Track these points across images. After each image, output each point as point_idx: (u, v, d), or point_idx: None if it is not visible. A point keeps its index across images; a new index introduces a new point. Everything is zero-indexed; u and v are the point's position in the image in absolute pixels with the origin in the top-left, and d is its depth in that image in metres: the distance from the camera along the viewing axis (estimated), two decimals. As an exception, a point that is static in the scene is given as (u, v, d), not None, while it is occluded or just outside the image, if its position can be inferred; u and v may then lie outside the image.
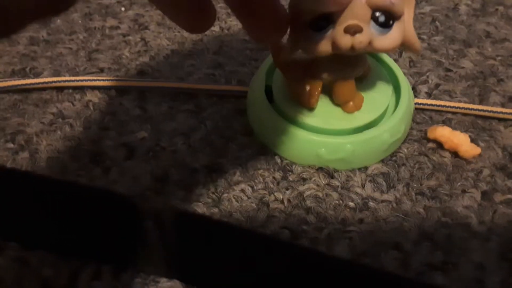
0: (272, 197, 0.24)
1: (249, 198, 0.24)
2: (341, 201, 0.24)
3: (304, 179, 0.25)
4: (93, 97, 0.29)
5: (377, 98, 0.25)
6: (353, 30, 0.20)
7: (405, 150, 0.27)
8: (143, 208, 0.20)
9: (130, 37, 0.34)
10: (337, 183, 0.25)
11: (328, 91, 0.25)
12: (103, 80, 0.30)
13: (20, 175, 0.22)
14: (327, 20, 0.21)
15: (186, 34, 0.34)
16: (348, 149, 0.24)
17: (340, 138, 0.24)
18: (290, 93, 0.25)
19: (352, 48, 0.20)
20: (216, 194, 0.24)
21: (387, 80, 0.26)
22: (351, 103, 0.25)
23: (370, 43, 0.21)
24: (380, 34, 0.21)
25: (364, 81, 0.26)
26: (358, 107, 0.25)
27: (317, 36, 0.21)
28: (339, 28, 0.20)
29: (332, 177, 0.25)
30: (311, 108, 0.25)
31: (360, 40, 0.20)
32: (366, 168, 0.26)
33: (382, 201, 0.24)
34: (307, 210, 0.24)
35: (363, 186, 0.25)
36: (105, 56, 0.32)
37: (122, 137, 0.27)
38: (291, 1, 0.21)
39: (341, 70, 0.24)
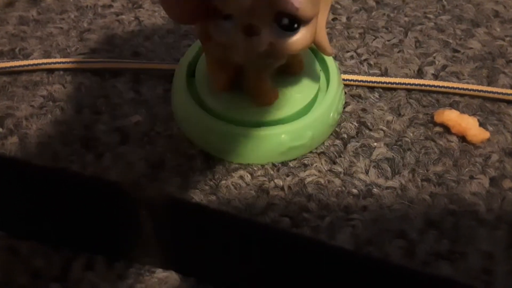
0: (272, 184, 0.24)
1: (248, 185, 0.24)
2: (343, 188, 0.24)
3: (305, 165, 0.24)
4: (85, 79, 0.28)
5: (295, 96, 0.24)
6: (250, 31, 0.19)
7: (411, 134, 0.26)
8: (137, 196, 0.19)
9: (123, 16, 0.32)
10: (340, 169, 0.24)
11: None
12: (95, 61, 0.29)
13: (9, 161, 0.21)
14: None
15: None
16: (241, 140, 0.23)
17: (237, 128, 0.23)
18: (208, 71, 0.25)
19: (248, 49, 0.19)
20: (213, 181, 0.24)
21: (316, 80, 0.25)
22: (261, 95, 0.24)
23: (272, 44, 0.19)
24: (284, 36, 0.19)
25: (292, 77, 0.25)
26: (267, 102, 0.24)
27: (224, 24, 0.20)
28: (238, 26, 0.19)
29: (334, 162, 0.25)
30: (219, 91, 0.24)
31: (257, 42, 0.19)
32: (370, 152, 0.25)
33: (387, 188, 0.24)
34: (308, 197, 0.23)
35: (366, 172, 0.24)
36: (97, 36, 0.31)
37: (116, 121, 0.26)
38: None
39: (252, 60, 0.22)
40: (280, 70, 0.24)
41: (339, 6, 0.34)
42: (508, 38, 0.31)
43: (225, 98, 0.24)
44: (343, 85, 0.26)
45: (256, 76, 0.23)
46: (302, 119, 0.24)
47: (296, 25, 0.19)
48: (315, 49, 0.26)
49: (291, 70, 0.25)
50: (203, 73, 0.25)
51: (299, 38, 0.19)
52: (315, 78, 0.25)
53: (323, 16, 0.20)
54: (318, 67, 0.26)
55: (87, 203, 0.20)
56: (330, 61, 0.26)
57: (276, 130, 0.23)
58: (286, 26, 0.19)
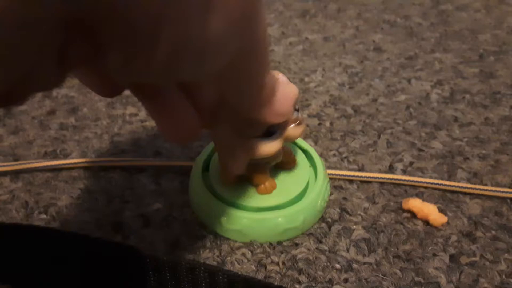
0: (269, 260, 0.27)
1: (249, 260, 0.27)
2: (328, 263, 0.27)
3: (297, 244, 0.28)
4: (115, 174, 0.33)
5: (290, 187, 0.28)
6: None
7: (384, 219, 0.30)
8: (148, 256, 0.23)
9: (147, 123, 0.38)
10: (325, 247, 0.28)
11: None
12: (123, 160, 0.34)
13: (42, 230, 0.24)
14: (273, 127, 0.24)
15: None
16: (244, 222, 0.27)
17: (241, 212, 0.27)
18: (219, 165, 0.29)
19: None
20: (220, 257, 0.28)
21: (306, 174, 0.29)
22: (262, 186, 0.27)
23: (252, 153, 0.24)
24: (266, 140, 0.24)
25: (287, 171, 0.29)
26: (268, 191, 0.27)
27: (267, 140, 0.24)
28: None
29: (321, 242, 0.29)
30: (229, 185, 0.28)
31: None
32: (350, 233, 0.29)
33: (364, 263, 0.27)
34: (299, 271, 0.27)
35: (347, 250, 0.28)
36: (125, 139, 0.36)
37: (140, 208, 0.30)
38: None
39: (254, 161, 0.25)
40: (277, 165, 0.29)
41: (323, 114, 0.40)
42: (465, 139, 0.37)
43: (233, 188, 0.28)
44: (328, 178, 0.31)
45: (257, 170, 0.28)
46: (295, 205, 0.27)
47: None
48: (304, 149, 0.32)
49: (286, 165, 0.30)
50: (215, 168, 0.30)
51: (272, 145, 0.24)
52: (306, 172, 0.30)
53: None
54: (307, 163, 0.31)
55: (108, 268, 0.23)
56: (317, 158, 0.31)
57: (274, 214, 0.27)
58: (268, 133, 0.24)
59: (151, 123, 0.38)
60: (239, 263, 0.27)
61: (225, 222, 0.28)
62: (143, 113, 0.39)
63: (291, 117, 0.24)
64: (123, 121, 0.38)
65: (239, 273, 0.25)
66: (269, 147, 0.24)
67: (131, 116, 0.39)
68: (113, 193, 0.32)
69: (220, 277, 0.23)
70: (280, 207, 0.28)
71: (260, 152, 0.23)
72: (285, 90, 0.20)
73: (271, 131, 0.24)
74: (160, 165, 0.33)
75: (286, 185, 0.29)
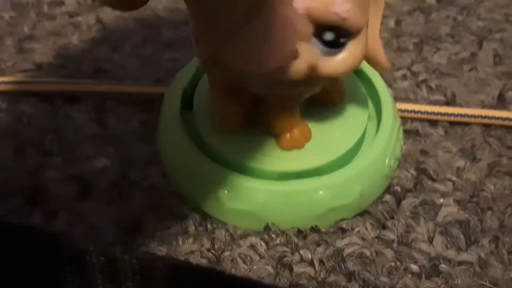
0: (297, 257, 0.25)
1: (262, 257, 0.25)
2: (398, 263, 0.25)
3: (344, 230, 0.26)
4: (28, 106, 0.31)
5: (335, 137, 0.27)
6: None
7: (492, 187, 0.28)
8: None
9: (79, 18, 0.35)
10: (392, 236, 0.26)
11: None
12: (41, 82, 0.31)
13: None
14: None
15: (162, 13, 0.36)
16: (259, 199, 0.26)
17: (253, 181, 0.25)
18: (212, 107, 0.27)
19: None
20: (213, 251, 0.26)
21: (363, 113, 0.28)
22: (287, 135, 0.26)
23: (312, 67, 0.22)
24: (327, 54, 0.22)
25: (329, 110, 0.28)
26: (297, 144, 0.26)
27: None
28: None
29: (384, 226, 0.27)
30: (230, 130, 0.26)
31: (295, 66, 0.21)
32: (435, 213, 0.27)
33: (460, 263, 0.26)
34: (349, 276, 0.25)
35: (430, 241, 0.26)
36: (43, 45, 0.34)
37: (72, 166, 0.28)
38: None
39: (275, 84, 0.24)
40: (312, 100, 0.26)
41: (384, 6, 0.37)
42: None
43: (237, 140, 0.26)
44: (399, 119, 0.29)
45: (281, 109, 0.25)
46: (346, 169, 0.26)
47: (342, 40, 0.22)
48: (359, 69, 0.29)
49: (327, 100, 0.27)
50: (205, 105, 0.27)
51: (347, 56, 0.22)
52: (362, 110, 0.28)
53: (376, 23, 0.23)
54: (364, 93, 0.29)
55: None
56: (380, 84, 0.29)
57: (310, 184, 0.26)
58: (330, 42, 0.22)
59: (86, 18, 0.35)
60: (245, 262, 0.25)
61: (224, 198, 0.26)
62: (71, 1, 0.37)
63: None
64: (39, 14, 0.36)
65: (245, 277, 0.24)
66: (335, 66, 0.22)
67: (51, 5, 0.36)
68: (25, 139, 0.29)
69: (212, 283, 0.22)
70: (321, 171, 0.26)
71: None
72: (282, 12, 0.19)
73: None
74: (104, 92, 0.31)
75: (329, 133, 0.27)
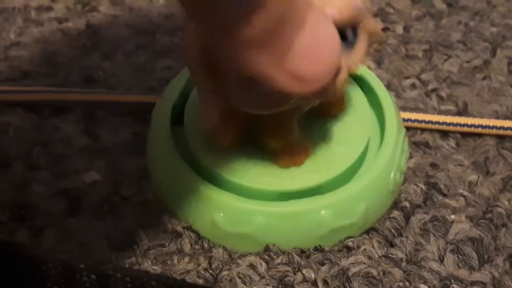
0: (299, 277, 0.25)
1: (262, 277, 0.25)
2: (407, 283, 0.25)
3: (349, 248, 0.26)
4: (14, 118, 0.31)
5: (337, 152, 0.27)
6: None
7: (506, 202, 0.28)
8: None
9: (69, 24, 0.36)
10: (401, 255, 0.26)
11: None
12: (29, 91, 0.31)
13: None
14: None
15: (157, 19, 0.36)
16: (258, 222, 0.25)
17: (250, 203, 0.25)
18: (200, 121, 0.26)
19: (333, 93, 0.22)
20: (210, 271, 0.26)
21: (365, 124, 0.28)
22: (285, 152, 0.26)
23: (349, 70, 0.23)
24: (347, 51, 0.23)
25: (330, 122, 0.28)
26: (296, 161, 0.26)
27: None
28: None
29: (392, 244, 0.27)
30: (224, 148, 0.26)
31: (343, 78, 0.22)
32: (446, 230, 0.27)
33: (472, 283, 0.26)
34: (354, 297, 0.25)
35: (441, 259, 0.26)
36: (30, 53, 0.34)
37: (61, 180, 0.28)
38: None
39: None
40: (311, 112, 0.26)
41: (392, 11, 0.37)
42: None
43: (233, 159, 0.26)
44: (404, 130, 0.29)
45: (278, 124, 0.25)
46: (349, 186, 0.26)
47: (356, 33, 0.23)
48: (359, 77, 0.29)
49: (327, 112, 0.27)
50: (197, 118, 0.27)
51: (361, 44, 0.23)
52: (364, 121, 0.28)
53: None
54: (366, 103, 0.29)
55: None
56: (383, 93, 0.29)
57: (311, 204, 0.26)
58: (352, 38, 0.23)
59: (76, 24, 0.36)
60: (244, 282, 0.26)
61: (220, 221, 0.26)
62: (61, 6, 0.37)
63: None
64: (26, 21, 0.36)
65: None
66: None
67: (39, 11, 0.37)
68: (11, 152, 0.30)
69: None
70: (323, 189, 0.26)
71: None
72: (320, 31, 0.20)
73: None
74: (95, 101, 0.31)
75: (330, 148, 0.27)
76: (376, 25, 0.25)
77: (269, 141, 0.26)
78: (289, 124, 0.26)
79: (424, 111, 0.32)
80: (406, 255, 0.26)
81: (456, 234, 0.27)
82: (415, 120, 0.31)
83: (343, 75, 0.22)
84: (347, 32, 0.22)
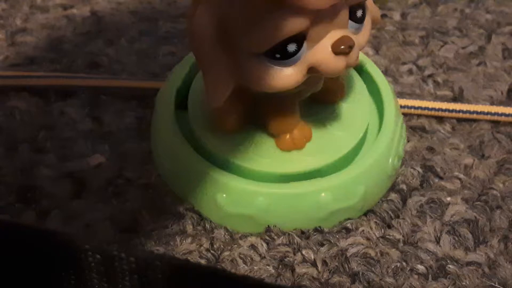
0: (299, 257, 0.25)
1: (263, 258, 0.25)
2: (404, 264, 0.25)
3: (348, 230, 0.26)
4: (20, 102, 0.31)
5: (337, 136, 0.27)
6: (348, 46, 0.22)
7: (501, 185, 0.28)
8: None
9: (74, 10, 0.35)
10: (398, 236, 0.26)
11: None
12: (34, 76, 0.31)
13: None
14: (297, 41, 0.22)
15: (159, 6, 0.36)
16: (260, 203, 0.25)
17: (252, 184, 0.25)
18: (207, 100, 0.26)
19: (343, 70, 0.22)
20: (212, 251, 0.26)
21: (364, 110, 0.28)
22: (287, 135, 0.26)
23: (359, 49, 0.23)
24: (356, 31, 0.23)
25: (330, 108, 0.28)
26: (297, 145, 0.26)
27: (280, 66, 0.22)
28: (321, 47, 0.22)
29: (390, 226, 0.27)
30: (228, 131, 0.26)
31: (355, 56, 0.22)
32: (442, 211, 0.27)
33: (468, 264, 0.25)
34: (353, 277, 0.25)
35: (437, 240, 0.26)
36: (36, 39, 0.34)
37: (66, 163, 0.28)
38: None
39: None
40: (312, 98, 0.26)
41: None
42: None
43: (235, 141, 0.26)
44: (401, 115, 0.29)
45: (280, 108, 0.25)
46: (349, 169, 0.26)
47: (365, 11, 0.23)
48: (360, 65, 0.29)
49: (328, 98, 0.27)
50: (201, 102, 0.27)
51: (367, 24, 0.23)
52: (363, 107, 0.28)
53: None
54: (365, 90, 0.29)
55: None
56: (381, 80, 0.29)
57: (312, 186, 0.25)
58: (361, 18, 0.22)
59: (81, 11, 0.36)
60: (245, 262, 0.26)
61: (222, 202, 0.26)
62: None
63: None
64: (32, 7, 0.36)
65: (247, 275, 0.24)
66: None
67: None
68: (17, 136, 0.29)
69: (213, 282, 0.21)
70: (322, 172, 0.26)
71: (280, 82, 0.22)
72: None
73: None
74: (99, 87, 0.31)
75: (330, 132, 0.27)
76: (377, 9, 0.25)
77: (271, 125, 0.26)
78: (291, 108, 0.26)
79: (421, 96, 0.32)
80: (403, 236, 0.26)
81: (452, 216, 0.27)
82: (411, 106, 0.31)
83: (355, 52, 0.22)
84: (357, 12, 0.22)
